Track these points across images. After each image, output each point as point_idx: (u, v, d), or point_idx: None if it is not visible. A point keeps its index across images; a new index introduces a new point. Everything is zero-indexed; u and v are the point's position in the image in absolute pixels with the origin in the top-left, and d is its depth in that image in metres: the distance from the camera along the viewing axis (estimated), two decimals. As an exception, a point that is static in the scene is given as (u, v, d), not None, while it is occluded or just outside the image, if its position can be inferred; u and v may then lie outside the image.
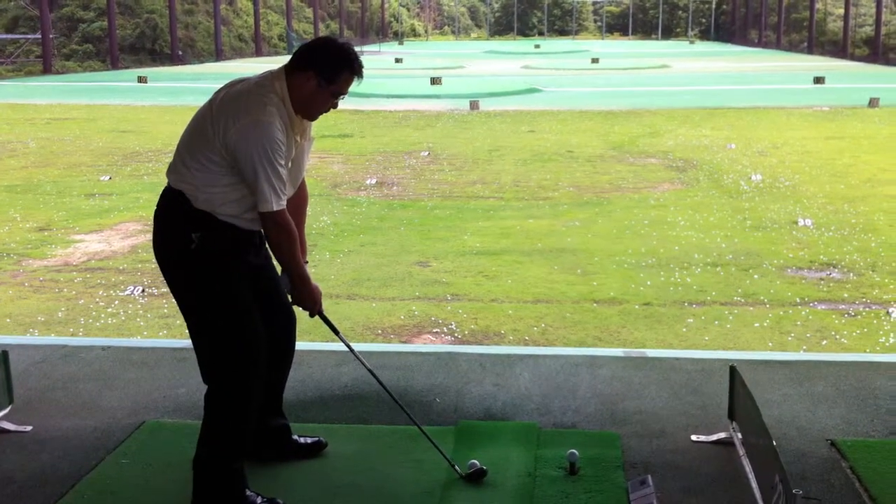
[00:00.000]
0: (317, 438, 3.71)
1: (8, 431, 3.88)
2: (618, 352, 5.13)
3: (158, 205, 3.30)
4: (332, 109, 3.31)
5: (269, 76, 3.23)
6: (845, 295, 6.99)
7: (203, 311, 3.25)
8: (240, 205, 3.18)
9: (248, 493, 3.24)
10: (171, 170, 3.29)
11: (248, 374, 3.23)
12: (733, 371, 3.64)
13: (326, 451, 3.67)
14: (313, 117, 3.31)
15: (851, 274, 7.56)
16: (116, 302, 6.99)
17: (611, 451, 3.66)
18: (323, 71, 3.18)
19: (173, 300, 6.98)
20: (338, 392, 4.33)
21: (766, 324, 6.28)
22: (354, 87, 3.29)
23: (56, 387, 4.42)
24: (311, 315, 3.42)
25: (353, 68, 3.24)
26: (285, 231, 3.18)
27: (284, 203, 3.16)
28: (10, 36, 42.03)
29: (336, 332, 3.55)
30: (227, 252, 3.21)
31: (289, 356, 3.58)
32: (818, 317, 6.47)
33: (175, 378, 4.54)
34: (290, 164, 3.24)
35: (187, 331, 3.34)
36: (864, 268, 7.73)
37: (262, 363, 3.27)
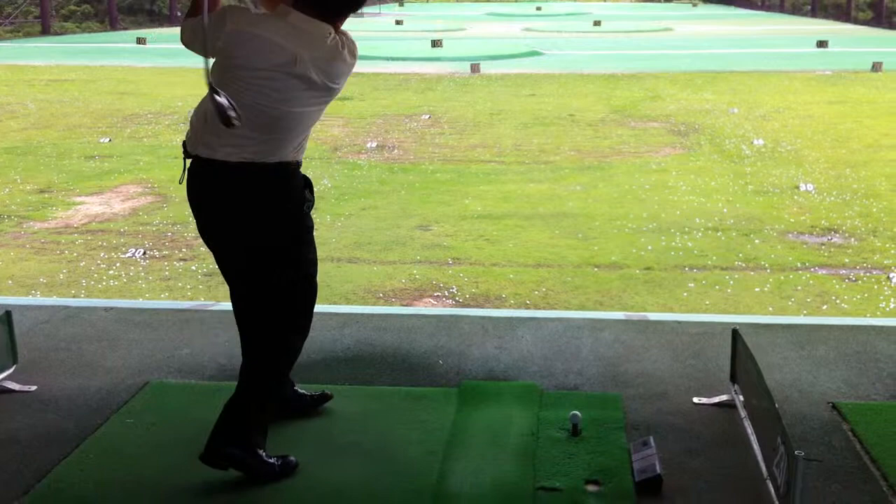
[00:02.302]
0: (322, 391, 3.73)
1: (12, 391, 3.90)
2: (619, 315, 5.14)
3: (216, 185, 3.14)
4: None
5: None
6: (846, 260, 6.99)
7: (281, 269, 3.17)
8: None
9: (261, 453, 3.23)
10: (224, 144, 3.08)
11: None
12: (735, 334, 3.65)
13: (330, 411, 3.69)
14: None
15: (853, 239, 7.56)
16: (118, 264, 7.00)
17: (613, 413, 3.68)
18: None
19: (175, 263, 7.02)
20: (340, 354, 4.34)
21: (766, 288, 6.29)
22: None
23: (60, 347, 4.43)
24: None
25: None
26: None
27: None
28: (7, -4, 41.62)
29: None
30: (304, 202, 3.16)
31: None
32: (819, 281, 6.48)
33: (179, 339, 4.55)
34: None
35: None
36: (866, 233, 7.73)
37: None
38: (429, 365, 4.21)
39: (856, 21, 45.29)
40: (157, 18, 44.31)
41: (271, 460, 3.21)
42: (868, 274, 6.68)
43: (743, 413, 3.53)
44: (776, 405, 2.93)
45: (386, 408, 3.77)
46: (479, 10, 65.29)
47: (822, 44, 28.56)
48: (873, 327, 4.73)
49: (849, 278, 6.57)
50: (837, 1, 50.45)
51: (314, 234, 3.34)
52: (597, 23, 43.10)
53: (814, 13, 51.55)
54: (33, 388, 3.94)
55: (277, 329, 3.25)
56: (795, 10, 55.42)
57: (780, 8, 57.84)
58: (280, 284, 3.19)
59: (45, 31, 37.63)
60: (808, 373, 4.09)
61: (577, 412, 3.53)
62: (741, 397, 3.62)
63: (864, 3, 47.15)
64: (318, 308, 3.80)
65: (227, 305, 5.31)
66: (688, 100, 16.48)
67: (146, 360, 4.27)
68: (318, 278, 3.39)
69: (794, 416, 3.63)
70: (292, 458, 3.27)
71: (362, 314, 4.99)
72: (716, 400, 3.78)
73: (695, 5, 74.23)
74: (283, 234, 3.16)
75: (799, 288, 6.33)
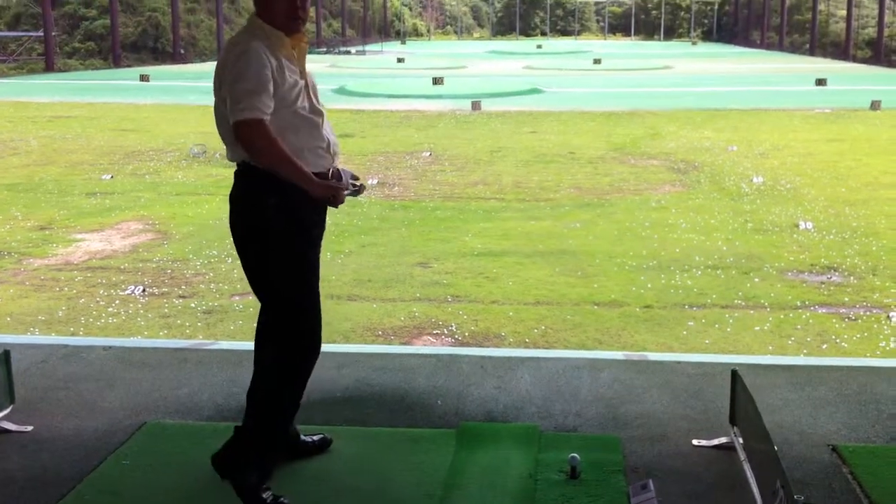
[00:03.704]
0: (322, 435, 3.74)
1: (9, 431, 3.88)
2: (619, 355, 5.13)
3: (232, 187, 3.35)
4: (302, 7, 3.27)
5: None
6: (846, 299, 6.99)
7: (272, 282, 3.32)
8: (289, 136, 3.20)
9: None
10: (227, 151, 3.33)
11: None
12: (735, 375, 3.64)
13: (328, 453, 3.68)
14: (295, 26, 3.28)
15: (852, 277, 7.56)
16: (117, 301, 7.00)
17: (612, 455, 3.66)
18: None
19: (174, 300, 7.03)
20: (338, 394, 4.33)
21: (766, 327, 6.28)
22: None
23: (57, 387, 4.42)
24: (337, 203, 3.31)
25: None
26: (265, 139, 3.11)
27: (262, 116, 3.11)
28: (12, 33, 42.06)
29: (357, 188, 3.47)
30: (302, 212, 3.24)
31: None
32: (819, 320, 6.47)
33: (176, 379, 4.54)
34: (301, 91, 3.26)
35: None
36: (865, 271, 7.73)
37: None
38: (427, 405, 4.19)
39: (854, 59, 45.65)
40: (160, 56, 44.69)
41: (264, 495, 3.22)
42: (868, 313, 6.67)
43: (743, 456, 3.51)
44: (776, 448, 2.92)
45: (384, 449, 3.75)
46: (481, 47, 65.90)
47: (820, 82, 28.76)
48: (873, 368, 4.72)
49: (848, 317, 6.56)
50: (836, 39, 50.91)
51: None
52: (597, 61, 43.47)
53: (812, 51, 52.00)
54: (30, 428, 3.93)
55: (282, 346, 3.33)
56: (794, 49, 55.90)
57: (779, 46, 58.35)
58: (275, 279, 3.31)
59: (49, 68, 37.94)
60: (807, 415, 4.07)
61: (575, 455, 3.51)
62: (741, 439, 3.60)
63: (862, 42, 47.57)
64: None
65: (226, 344, 5.34)
66: (687, 137, 16.57)
67: (143, 400, 4.25)
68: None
69: (793, 459, 3.61)
70: (284, 500, 3.26)
71: (361, 353, 4.99)
72: (715, 442, 3.76)
73: (694, 43, 74.98)
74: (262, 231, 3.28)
75: (799, 327, 6.32)
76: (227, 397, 4.19)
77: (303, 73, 3.31)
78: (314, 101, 3.34)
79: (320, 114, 3.35)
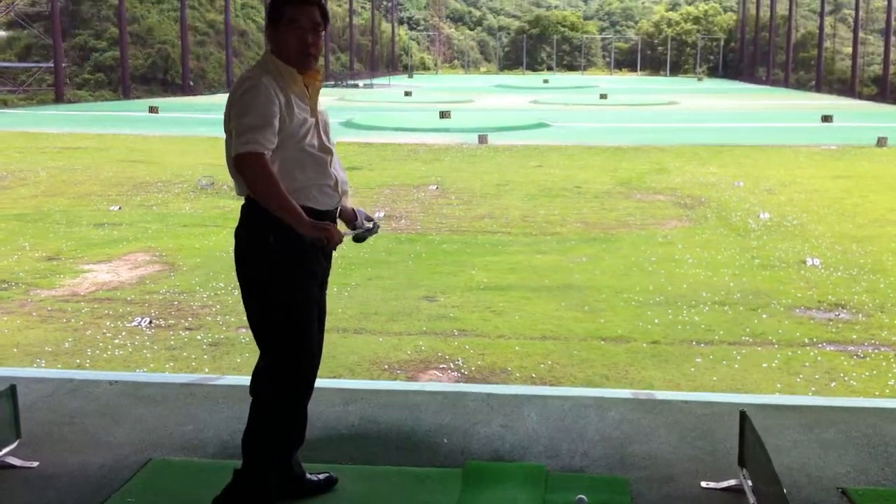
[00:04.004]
0: (327, 474, 3.71)
1: (14, 467, 3.86)
2: (626, 393, 5.10)
3: (238, 221, 3.38)
4: (313, 44, 3.31)
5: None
6: (854, 336, 6.95)
7: (272, 319, 3.33)
8: (295, 173, 3.24)
9: None
10: (235, 185, 3.36)
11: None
12: (744, 416, 3.61)
13: (333, 492, 3.65)
14: (306, 62, 3.32)
15: (860, 315, 7.53)
16: (124, 333, 7.00)
17: (620, 497, 3.62)
18: (272, 18, 3.32)
19: (181, 332, 7.03)
20: (344, 431, 4.31)
21: (774, 364, 6.25)
22: (303, 9, 3.31)
23: (63, 422, 4.40)
24: (330, 246, 3.28)
25: None
26: (261, 173, 3.12)
27: (263, 150, 3.13)
28: (22, 64, 42.50)
29: (369, 229, 3.52)
30: (305, 249, 3.25)
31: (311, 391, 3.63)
32: (827, 358, 6.44)
33: (182, 415, 4.52)
34: (310, 129, 3.29)
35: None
36: (873, 309, 7.70)
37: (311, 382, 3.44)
38: (433, 444, 4.17)
39: (860, 96, 45.85)
40: (170, 88, 45.09)
41: None
42: (876, 350, 6.63)
43: (752, 499, 3.48)
44: (785, 491, 2.89)
45: (390, 489, 3.72)
46: (488, 82, 66.33)
47: (826, 118, 28.86)
48: (882, 410, 4.69)
49: (857, 355, 6.52)
50: (842, 76, 51.14)
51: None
52: (603, 96, 43.72)
53: (818, 88, 52.25)
54: (35, 463, 3.91)
55: (278, 385, 3.33)
56: (800, 85, 56.17)
57: (785, 83, 58.65)
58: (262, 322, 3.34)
59: (59, 99, 38.29)
60: (817, 457, 4.03)
61: (583, 496, 3.48)
62: (750, 482, 3.56)
63: (868, 79, 47.79)
64: (322, 383, 3.81)
65: (232, 379, 5.33)
66: (693, 173, 16.61)
67: (149, 436, 4.23)
68: (324, 348, 3.43)
69: (803, 502, 3.58)
70: None
71: (367, 390, 4.97)
72: (724, 485, 3.72)
73: (700, 79, 75.38)
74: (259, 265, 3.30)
75: (807, 364, 6.28)
76: (232, 434, 4.17)
77: (314, 111, 3.33)
78: (324, 139, 3.36)
79: (329, 152, 3.37)
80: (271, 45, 3.33)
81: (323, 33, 3.37)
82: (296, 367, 3.33)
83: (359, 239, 3.54)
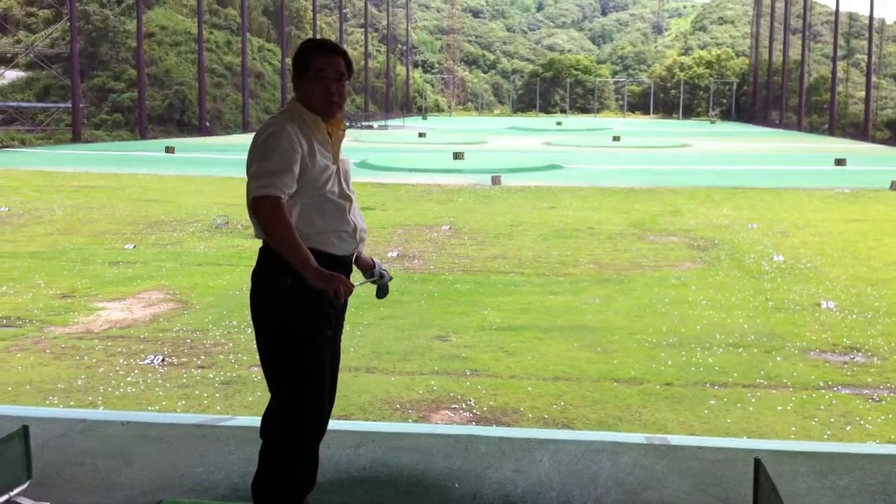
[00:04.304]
0: None
1: (24, 506, 3.86)
2: (639, 437, 5.06)
3: (255, 263, 3.44)
4: (338, 93, 3.39)
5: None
6: (869, 379, 6.89)
7: (283, 361, 3.36)
8: (314, 218, 3.29)
9: None
10: (254, 228, 3.41)
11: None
12: (758, 464, 3.58)
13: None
14: (330, 110, 3.39)
15: (875, 358, 7.47)
16: (136, 371, 7.00)
17: (632, 542, 3.58)
18: (298, 68, 3.40)
19: (193, 370, 7.04)
20: (355, 474, 4.28)
21: (789, 407, 6.19)
22: (329, 59, 3.39)
23: (74, 462, 4.40)
24: (337, 299, 3.28)
25: (316, 46, 3.42)
26: (275, 217, 3.17)
27: (280, 194, 3.18)
28: (41, 104, 43.05)
29: (380, 277, 3.58)
30: (318, 297, 3.26)
31: (323, 433, 3.65)
32: (842, 401, 6.37)
33: (193, 456, 4.51)
34: (331, 176, 3.35)
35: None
36: (889, 352, 7.64)
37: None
38: (444, 488, 4.14)
39: (873, 140, 45.88)
40: (186, 128, 45.55)
41: None
42: (892, 394, 6.56)
43: (766, 546, 3.43)
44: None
45: (400, 531, 3.69)
46: (501, 124, 66.73)
47: (840, 162, 28.85)
48: (898, 456, 4.63)
49: (872, 398, 6.46)
50: (855, 120, 51.24)
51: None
52: (616, 138, 43.89)
53: (831, 132, 52.33)
54: (46, 504, 3.90)
55: (289, 428, 3.37)
56: (813, 129, 56.28)
57: (798, 126, 58.77)
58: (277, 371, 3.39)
59: (76, 138, 38.71)
60: None
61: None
62: (764, 529, 3.52)
63: (881, 123, 47.84)
64: (333, 425, 3.79)
65: (243, 420, 5.32)
66: (707, 215, 16.60)
67: (160, 478, 4.22)
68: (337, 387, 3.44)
69: (819, 550, 3.53)
70: None
71: (378, 432, 4.94)
72: (738, 531, 3.68)
73: (713, 122, 75.70)
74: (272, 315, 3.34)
75: (822, 407, 6.22)
76: (243, 476, 4.16)
77: (335, 159, 3.40)
78: (344, 186, 3.42)
79: (349, 199, 3.42)
80: (297, 94, 3.41)
81: (347, 83, 3.44)
82: (305, 411, 3.34)
83: (381, 291, 3.59)
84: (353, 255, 3.44)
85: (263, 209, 3.17)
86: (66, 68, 41.71)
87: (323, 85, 3.35)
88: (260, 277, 3.35)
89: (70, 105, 40.07)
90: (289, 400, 3.34)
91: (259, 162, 3.21)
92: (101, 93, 44.89)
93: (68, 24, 40.26)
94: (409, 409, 6.09)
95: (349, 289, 3.27)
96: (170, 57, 49.16)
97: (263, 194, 3.16)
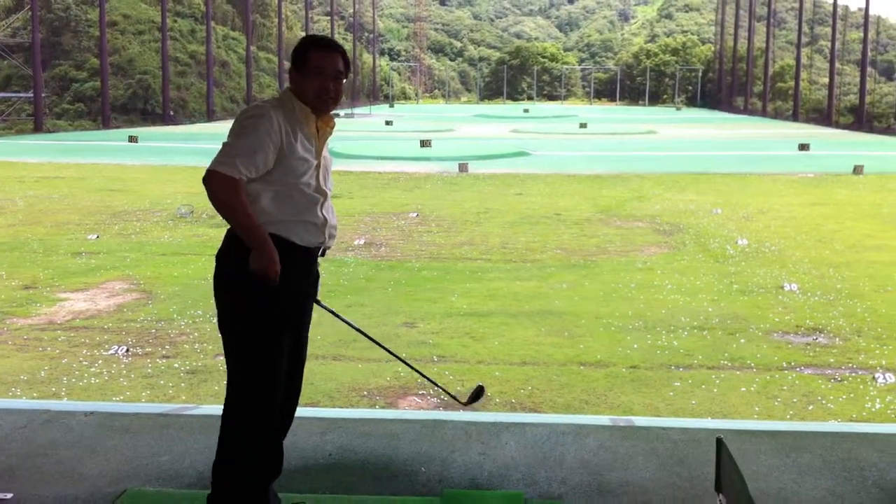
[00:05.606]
0: None
1: (-14, 498, 3.81)
2: (605, 420, 5.10)
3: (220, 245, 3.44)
4: (334, 90, 3.41)
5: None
6: (831, 360, 6.99)
7: (243, 341, 3.35)
8: (285, 205, 3.29)
9: None
10: None
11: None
12: (720, 443, 3.62)
13: (310, 521, 3.62)
14: (324, 106, 3.42)
15: (837, 339, 7.58)
16: (100, 361, 6.93)
17: (597, 522, 3.61)
18: (296, 62, 3.41)
19: (158, 360, 6.98)
20: (322, 461, 4.28)
21: (752, 388, 6.27)
22: (328, 56, 3.41)
23: (38, 453, 4.35)
24: (269, 278, 3.27)
25: (315, 43, 3.43)
26: (228, 196, 3.18)
27: (237, 175, 3.18)
28: (1, 94, 42.39)
29: (335, 314, 3.63)
30: (284, 275, 3.27)
31: (289, 422, 3.65)
32: (805, 381, 6.47)
33: (158, 445, 4.48)
34: (309, 170, 3.36)
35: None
36: (850, 333, 7.75)
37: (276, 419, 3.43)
38: (411, 472, 4.14)
39: (837, 125, 46.46)
40: (149, 117, 45.04)
41: None
42: (853, 374, 6.67)
43: (729, 523, 3.47)
44: (761, 516, 2.89)
45: (367, 516, 3.69)
46: (468, 111, 66.68)
47: (803, 147, 29.20)
48: (858, 434, 4.70)
49: (834, 378, 6.56)
50: (818, 106, 51.83)
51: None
52: (583, 125, 44.07)
53: (795, 117, 52.92)
54: (10, 495, 3.85)
55: (248, 409, 3.34)
56: (777, 115, 56.87)
57: (763, 112, 59.35)
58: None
59: (38, 128, 38.15)
60: (792, 481, 4.04)
61: (560, 521, 3.47)
62: (727, 507, 3.56)
63: (844, 108, 48.45)
64: (299, 412, 3.78)
65: (208, 409, 5.28)
66: (672, 200, 16.73)
67: (125, 467, 4.18)
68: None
69: (780, 526, 3.58)
70: None
71: (345, 419, 4.94)
72: (701, 509, 3.72)
73: (678, 109, 76.22)
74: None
75: (785, 388, 6.31)
76: (208, 464, 4.10)
77: (318, 154, 3.41)
78: (321, 181, 3.43)
79: (324, 194, 3.44)
80: (293, 85, 3.42)
81: (344, 81, 3.46)
82: (261, 394, 3.33)
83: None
84: (318, 248, 3.43)
85: (215, 182, 3.19)
86: (28, 58, 41.09)
87: (320, 80, 3.37)
88: (225, 259, 3.36)
89: (31, 95, 39.46)
90: (245, 381, 3.34)
91: (232, 138, 3.24)
92: (64, 82, 44.30)
93: (30, 13, 39.61)
94: (376, 396, 6.09)
95: (275, 279, 3.28)
96: (133, 46, 48.58)
97: (220, 170, 3.19)
